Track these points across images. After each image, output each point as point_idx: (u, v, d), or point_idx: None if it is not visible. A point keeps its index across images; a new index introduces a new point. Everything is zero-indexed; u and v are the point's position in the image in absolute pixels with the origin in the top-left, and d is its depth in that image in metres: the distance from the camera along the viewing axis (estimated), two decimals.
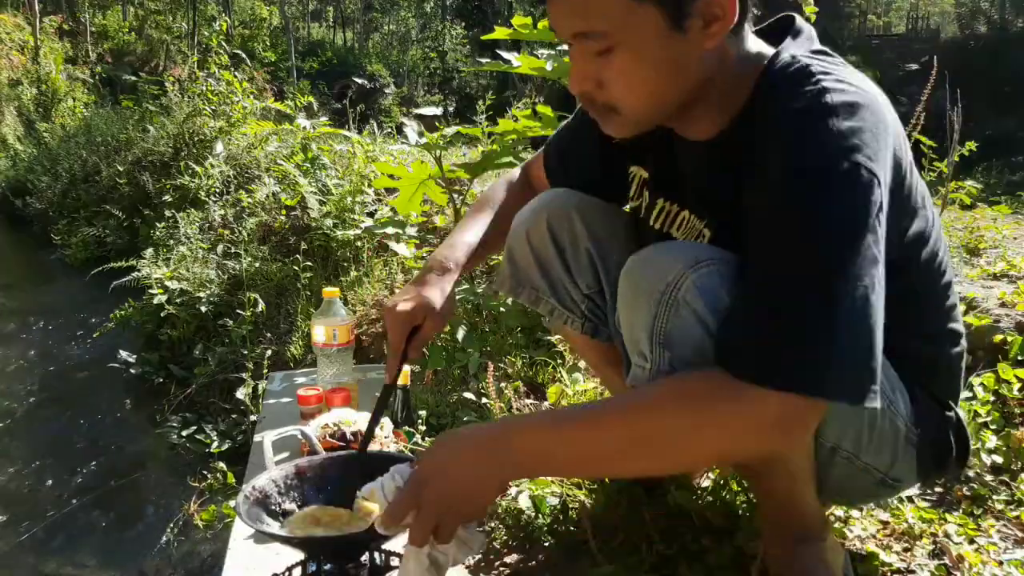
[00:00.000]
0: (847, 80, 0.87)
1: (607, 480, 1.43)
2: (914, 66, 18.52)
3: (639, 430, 0.84)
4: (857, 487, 1.08)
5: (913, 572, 1.20)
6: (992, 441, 1.48)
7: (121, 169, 5.78)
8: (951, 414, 1.08)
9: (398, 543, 1.33)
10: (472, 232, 1.33)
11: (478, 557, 1.35)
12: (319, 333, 2.02)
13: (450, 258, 1.26)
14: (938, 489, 1.44)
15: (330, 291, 2.07)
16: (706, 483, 1.47)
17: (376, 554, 1.21)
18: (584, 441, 0.86)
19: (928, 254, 1.01)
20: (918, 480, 1.12)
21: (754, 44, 0.99)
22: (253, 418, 2.37)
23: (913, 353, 1.03)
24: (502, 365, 2.08)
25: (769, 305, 0.81)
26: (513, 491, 1.47)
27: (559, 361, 1.98)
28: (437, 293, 1.21)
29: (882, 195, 0.82)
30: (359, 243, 3.29)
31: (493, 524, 1.41)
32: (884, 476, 1.05)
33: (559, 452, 0.88)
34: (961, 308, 1.13)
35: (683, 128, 1.04)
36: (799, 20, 1.02)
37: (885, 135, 0.85)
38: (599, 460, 0.88)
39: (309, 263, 3.22)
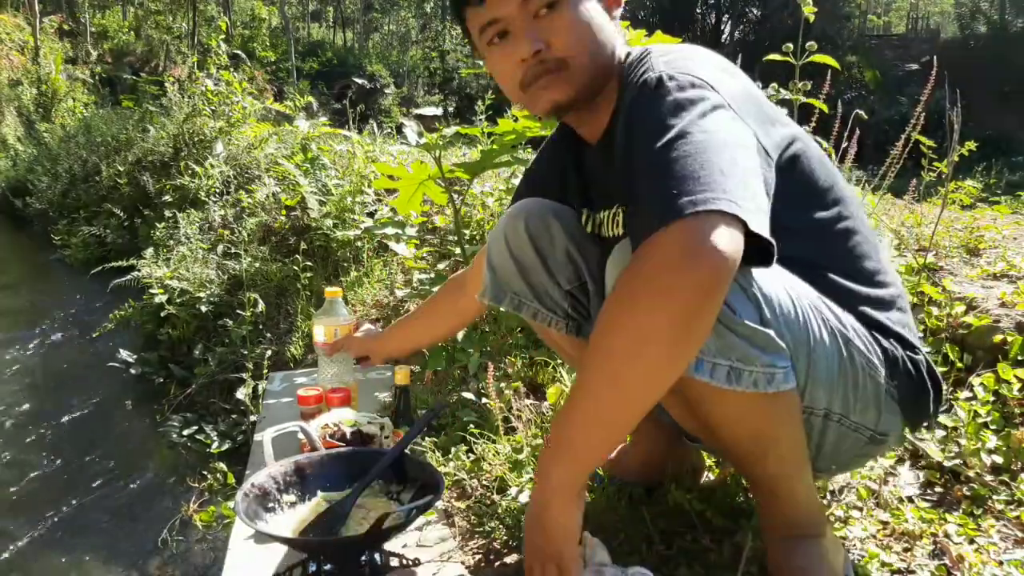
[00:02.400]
0: (669, 52, 1.04)
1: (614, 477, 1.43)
2: (914, 66, 18.52)
3: (614, 353, 0.85)
4: (850, 449, 1.11)
5: (913, 572, 1.20)
6: (992, 441, 1.48)
7: (121, 169, 5.79)
8: (919, 357, 1.10)
9: (398, 544, 1.34)
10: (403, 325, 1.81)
11: (478, 556, 1.35)
12: (320, 333, 2.01)
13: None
14: (938, 489, 1.45)
15: (332, 291, 2.06)
16: (706, 483, 1.47)
17: (376, 554, 1.21)
18: (594, 408, 0.88)
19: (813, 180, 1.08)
20: (905, 429, 1.14)
21: (622, 50, 1.14)
22: (253, 418, 2.37)
23: (862, 295, 1.07)
24: (502, 365, 2.08)
25: (647, 183, 0.89)
26: (513, 491, 1.47)
27: (559, 361, 1.98)
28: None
29: (713, 95, 0.94)
30: (359, 243, 3.30)
31: (493, 524, 1.42)
32: (873, 432, 1.09)
33: (581, 435, 0.91)
34: (890, 256, 1.16)
35: (584, 127, 1.21)
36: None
37: (702, 66, 0.99)
38: (612, 410, 0.88)
39: (309, 263, 3.23)
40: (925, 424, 1.17)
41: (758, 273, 0.95)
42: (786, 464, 1.05)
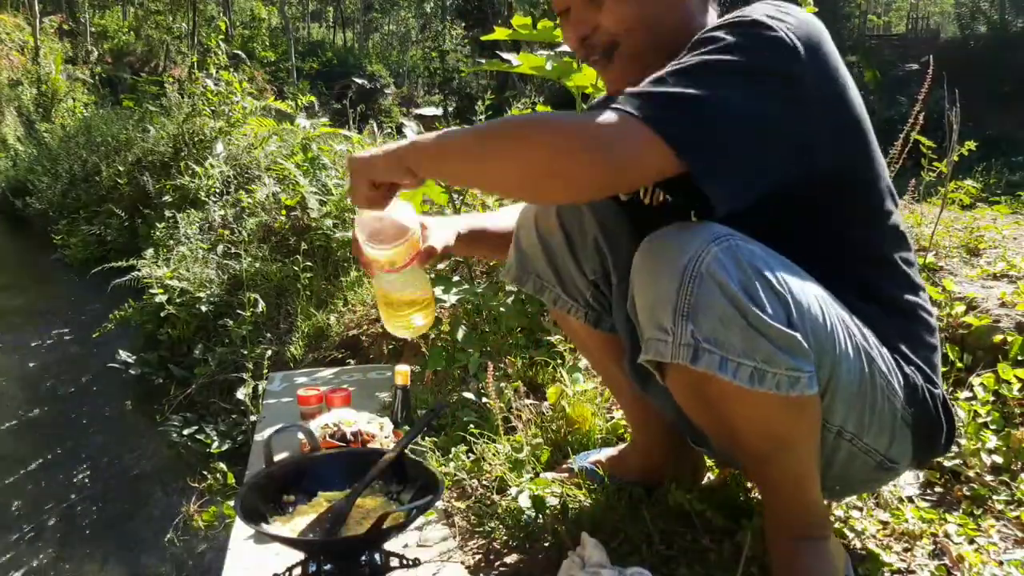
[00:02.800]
0: (794, 9, 0.97)
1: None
2: (914, 66, 18.52)
3: (494, 141, 0.96)
4: (858, 472, 1.10)
5: (913, 572, 1.20)
6: (992, 441, 1.48)
7: (121, 169, 5.79)
8: (938, 391, 1.10)
9: (398, 544, 1.34)
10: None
11: (478, 556, 1.35)
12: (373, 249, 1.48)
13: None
14: (938, 489, 1.45)
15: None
16: (706, 483, 1.47)
17: (376, 554, 1.21)
18: (456, 148, 1.01)
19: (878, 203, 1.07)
20: (912, 461, 1.13)
21: (713, 19, 1.10)
22: (253, 418, 2.37)
23: (895, 327, 1.06)
24: (502, 365, 2.08)
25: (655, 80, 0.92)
26: (513, 491, 1.47)
27: (559, 361, 1.98)
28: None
29: (799, 67, 0.92)
30: None
31: (493, 524, 1.42)
32: (883, 458, 1.07)
33: (442, 152, 1.01)
34: (928, 292, 1.15)
35: None
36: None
37: (812, 31, 0.95)
38: (463, 156, 1.00)
39: (309, 263, 3.22)
40: (932, 458, 1.15)
41: (791, 276, 0.94)
42: (802, 466, 1.04)
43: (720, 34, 0.93)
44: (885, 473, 1.11)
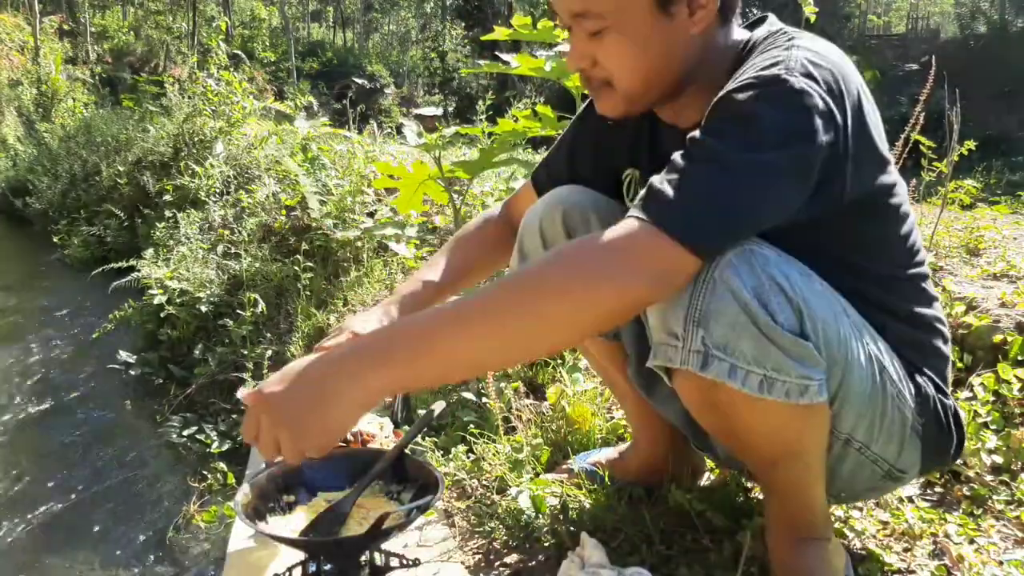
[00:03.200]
0: (815, 46, 0.95)
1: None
2: (914, 66, 18.52)
3: (532, 295, 0.85)
4: (864, 480, 1.09)
5: (913, 572, 1.20)
6: (992, 441, 1.48)
7: (121, 169, 5.79)
8: (949, 403, 1.10)
9: (398, 544, 1.33)
10: (429, 272, 1.30)
11: (478, 556, 1.35)
12: None
13: (394, 300, 1.24)
14: (938, 489, 1.45)
15: None
16: (706, 483, 1.47)
17: (376, 554, 1.21)
18: (455, 337, 0.84)
19: (899, 227, 1.06)
20: (920, 472, 1.13)
21: (740, 35, 1.07)
22: None
23: (906, 336, 1.06)
24: None
25: (682, 169, 0.89)
26: (513, 491, 1.47)
27: (559, 361, 1.98)
28: (361, 325, 1.18)
29: (834, 134, 0.89)
30: (359, 243, 3.29)
31: (493, 524, 1.42)
32: (891, 467, 1.07)
33: (424, 356, 0.84)
34: (941, 303, 1.16)
35: (674, 116, 1.12)
36: (772, 17, 1.09)
37: (848, 84, 0.93)
38: (478, 346, 0.85)
39: (309, 263, 3.22)
40: (939, 469, 1.15)
41: (805, 284, 0.94)
42: (810, 472, 1.04)
43: (752, 105, 0.88)
44: (892, 482, 1.11)
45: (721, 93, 0.93)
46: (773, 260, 0.92)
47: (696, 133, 0.91)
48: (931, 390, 1.07)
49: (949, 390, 1.11)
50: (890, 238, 1.07)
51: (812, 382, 0.92)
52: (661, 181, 0.89)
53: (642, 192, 0.90)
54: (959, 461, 1.46)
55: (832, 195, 0.94)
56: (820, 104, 0.88)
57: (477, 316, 0.85)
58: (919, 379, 1.06)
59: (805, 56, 0.91)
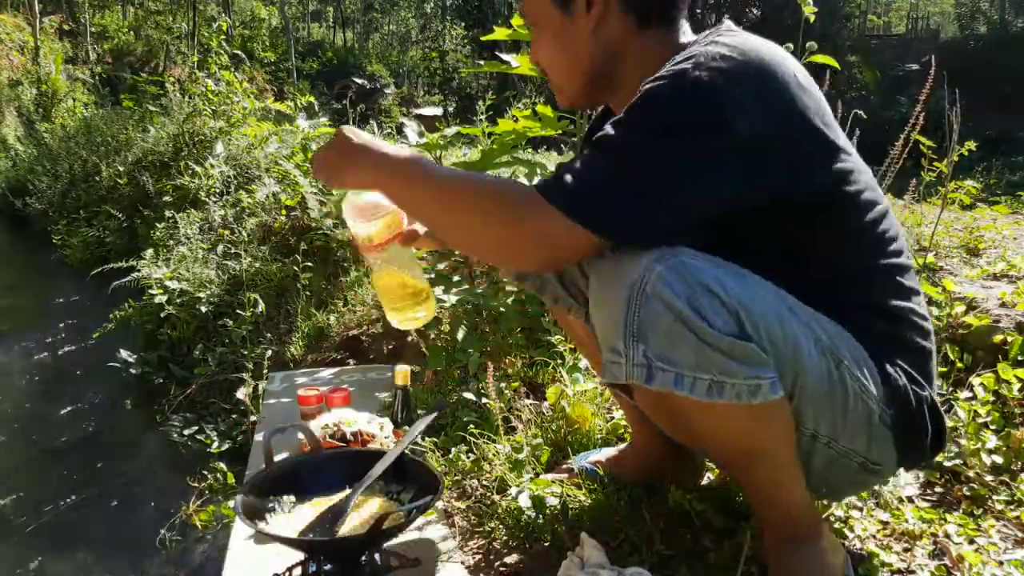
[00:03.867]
0: (734, 40, 0.99)
1: (607, 482, 1.43)
2: (914, 66, 18.51)
3: (451, 196, 1.05)
4: (840, 475, 1.09)
5: (913, 572, 1.20)
6: (992, 441, 1.48)
7: (121, 169, 5.79)
8: (925, 393, 1.08)
9: (398, 543, 1.33)
10: None
11: (478, 556, 1.35)
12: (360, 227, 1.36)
13: None
14: (938, 489, 1.45)
15: None
16: (706, 483, 1.47)
17: (376, 554, 1.21)
18: (411, 185, 1.07)
19: (865, 224, 1.07)
20: (899, 464, 1.12)
21: (685, 39, 1.12)
22: (253, 418, 2.37)
23: (876, 329, 1.06)
24: (502, 365, 2.08)
25: (583, 155, 1.01)
26: (513, 491, 1.47)
27: (559, 361, 1.98)
28: None
29: (744, 123, 0.93)
30: None
31: (493, 524, 1.42)
32: (864, 460, 1.07)
33: (399, 171, 1.07)
34: (923, 298, 1.14)
35: (619, 109, 1.17)
36: (727, 21, 1.13)
37: (769, 76, 0.97)
38: (420, 204, 1.09)
39: (309, 263, 3.22)
40: (919, 462, 1.14)
41: (742, 287, 0.95)
42: (781, 472, 1.04)
43: (656, 94, 0.97)
44: (871, 475, 1.10)
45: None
46: (705, 268, 0.94)
47: (607, 124, 1.00)
48: (903, 380, 1.06)
49: (930, 382, 1.10)
50: (853, 228, 1.06)
51: (763, 381, 0.93)
52: (565, 164, 1.00)
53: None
54: (959, 461, 1.46)
55: (763, 186, 0.97)
56: (722, 95, 0.94)
57: (433, 191, 1.06)
58: (889, 369, 1.05)
59: (717, 51, 0.96)
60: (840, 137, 1.05)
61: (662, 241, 0.96)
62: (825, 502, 1.37)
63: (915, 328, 1.10)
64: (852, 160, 1.06)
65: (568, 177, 0.97)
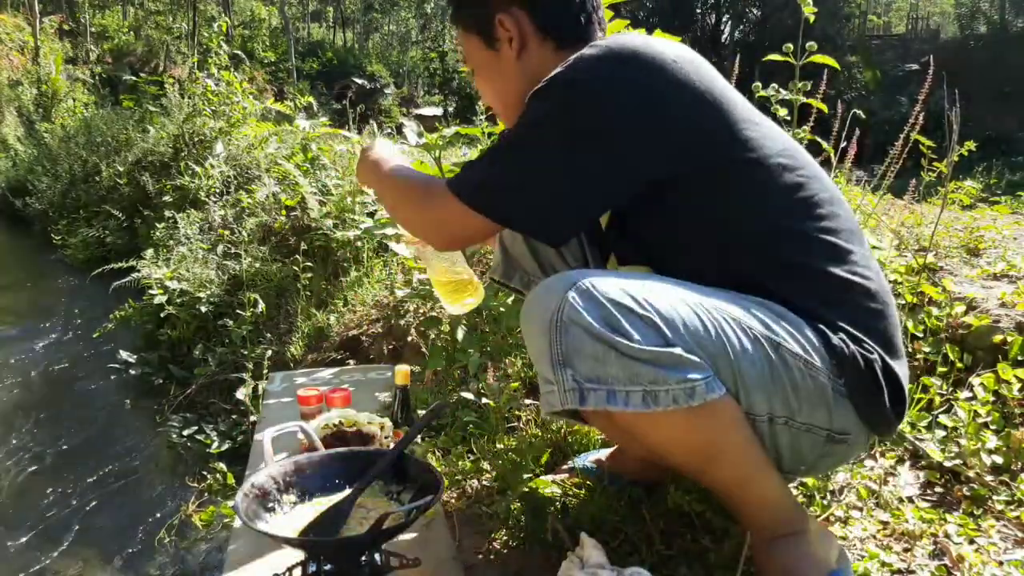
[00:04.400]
0: (611, 41, 1.11)
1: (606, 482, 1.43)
2: (914, 66, 18.52)
3: (391, 188, 1.32)
4: (811, 450, 1.08)
5: (913, 572, 1.20)
6: (992, 441, 1.48)
7: (121, 169, 5.79)
8: (875, 356, 1.06)
9: (398, 543, 1.33)
10: None
11: (478, 557, 1.35)
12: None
13: None
14: (938, 489, 1.45)
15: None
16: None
17: (376, 554, 1.21)
18: (377, 180, 1.35)
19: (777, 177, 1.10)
20: (869, 430, 1.10)
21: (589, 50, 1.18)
22: (253, 418, 2.37)
23: (814, 295, 1.07)
24: (502, 365, 2.08)
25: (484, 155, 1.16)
26: (513, 491, 1.47)
27: None
28: None
29: (616, 111, 1.04)
30: (359, 243, 3.30)
31: (493, 524, 1.42)
32: (829, 432, 1.06)
33: (380, 168, 1.34)
34: (868, 258, 1.13)
35: None
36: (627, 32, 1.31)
37: (648, 65, 1.06)
38: (380, 194, 1.39)
39: (309, 263, 3.23)
40: (889, 425, 1.13)
41: (656, 296, 0.97)
42: (741, 468, 1.04)
43: (535, 95, 1.10)
44: (841, 445, 1.09)
45: None
46: (616, 285, 0.97)
47: None
48: (850, 346, 1.04)
49: (893, 344, 1.09)
50: (767, 191, 1.08)
51: (696, 383, 0.95)
52: (471, 160, 1.18)
53: None
54: (959, 461, 1.46)
55: (646, 165, 1.07)
56: (592, 88, 1.05)
57: (387, 184, 1.33)
58: (833, 339, 1.04)
59: (591, 52, 1.08)
60: (738, 108, 1.10)
61: (561, 226, 1.12)
62: (825, 502, 1.37)
63: (858, 289, 1.08)
64: (758, 129, 1.10)
65: (468, 170, 1.15)
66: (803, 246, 1.08)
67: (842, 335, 1.05)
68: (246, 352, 2.85)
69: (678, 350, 0.95)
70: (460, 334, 2.16)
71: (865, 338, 1.07)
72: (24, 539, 2.22)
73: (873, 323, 1.09)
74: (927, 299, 1.93)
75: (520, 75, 1.22)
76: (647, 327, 0.95)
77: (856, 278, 1.09)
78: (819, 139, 2.30)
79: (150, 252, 3.82)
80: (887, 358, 1.07)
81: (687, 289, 1.02)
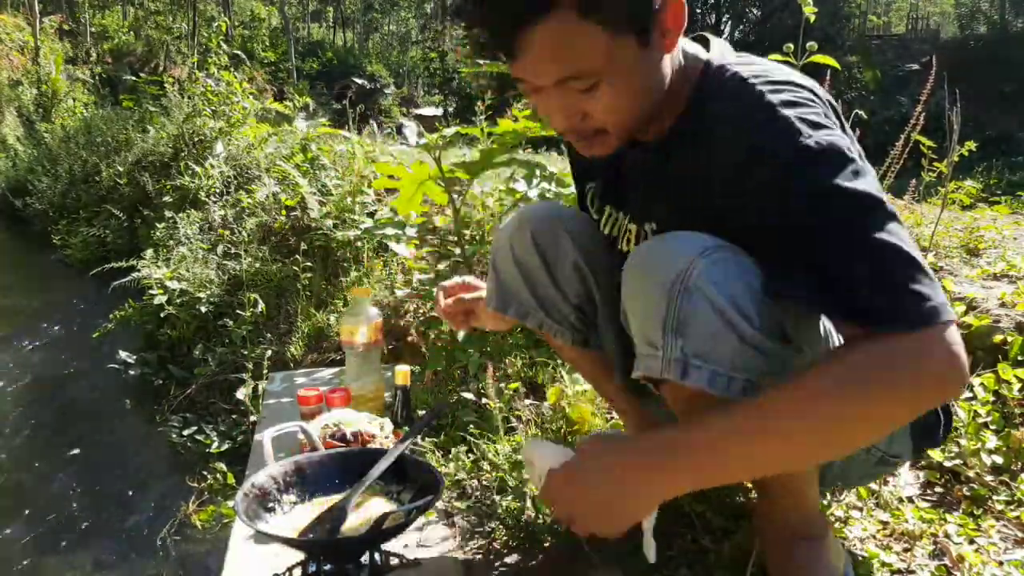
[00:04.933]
0: (775, 78, 0.94)
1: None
2: (914, 66, 18.51)
3: (819, 415, 0.80)
4: (859, 468, 1.10)
5: (913, 572, 1.20)
6: (992, 441, 1.48)
7: (121, 169, 5.78)
8: None
9: (398, 544, 1.33)
10: None
11: (478, 557, 1.35)
12: (345, 331, 2.04)
13: None
14: (938, 489, 1.44)
15: (360, 290, 2.10)
16: None
17: (376, 554, 1.21)
18: (761, 438, 0.83)
19: None
20: (912, 455, 1.13)
21: (689, 47, 1.04)
22: (253, 418, 2.37)
23: None
24: (502, 365, 2.08)
25: (857, 262, 0.81)
26: (513, 491, 1.47)
27: (559, 361, 1.98)
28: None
29: (853, 149, 0.87)
30: (359, 243, 3.29)
31: (493, 524, 1.41)
32: (884, 454, 1.08)
33: (733, 450, 0.84)
34: None
35: (640, 133, 1.07)
36: (711, 37, 1.07)
37: (826, 110, 0.92)
38: (776, 455, 0.84)
39: (309, 263, 3.22)
40: (928, 450, 1.14)
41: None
42: (805, 472, 1.04)
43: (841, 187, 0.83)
44: (886, 467, 1.12)
45: (717, 177, 0.93)
46: (748, 266, 0.90)
47: (791, 242, 0.85)
48: None
49: None
50: None
51: None
52: (841, 275, 0.82)
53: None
54: (959, 461, 1.46)
55: None
56: (837, 140, 0.87)
57: (773, 435, 0.83)
58: None
59: (805, 111, 0.89)
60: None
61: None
62: (825, 502, 1.37)
63: None
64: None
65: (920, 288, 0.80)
66: None
67: None
68: (246, 352, 2.85)
69: (791, 349, 0.91)
70: (460, 334, 2.16)
71: None
72: (24, 539, 2.22)
73: None
74: None
75: (667, 72, 0.99)
76: (770, 316, 0.90)
77: None
78: None
79: (150, 252, 3.82)
80: None
81: None
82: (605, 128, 0.99)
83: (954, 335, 0.78)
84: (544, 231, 1.24)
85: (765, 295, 0.89)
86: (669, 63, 0.99)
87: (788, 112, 0.88)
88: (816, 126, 0.86)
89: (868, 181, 0.84)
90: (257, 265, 3.39)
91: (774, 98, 0.90)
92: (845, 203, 0.82)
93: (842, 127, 0.93)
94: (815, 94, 0.93)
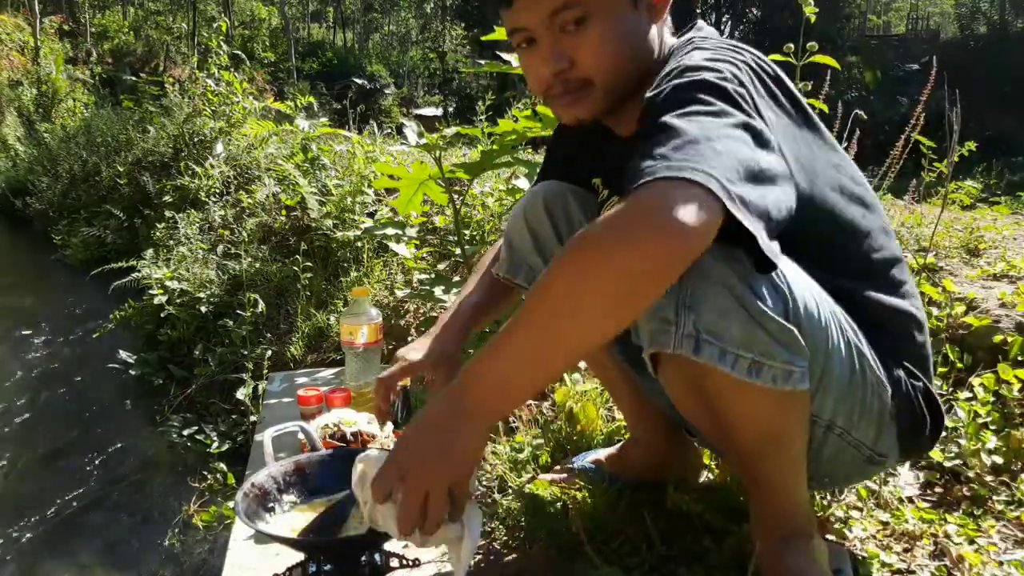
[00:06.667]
0: (717, 44, 1.02)
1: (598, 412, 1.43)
2: (914, 66, 18.52)
3: (552, 296, 0.82)
4: (845, 466, 1.11)
5: (913, 572, 1.20)
6: (992, 441, 1.48)
7: (121, 169, 5.79)
8: (920, 384, 1.10)
9: (398, 544, 1.33)
10: (466, 296, 1.43)
11: (478, 558, 1.35)
12: (345, 331, 2.06)
13: (440, 322, 1.41)
14: (938, 489, 1.44)
15: (359, 290, 2.11)
16: (706, 483, 1.47)
17: (376, 554, 1.21)
18: (526, 345, 0.86)
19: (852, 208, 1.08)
20: (901, 455, 1.14)
21: (675, 41, 1.12)
22: (253, 418, 2.37)
23: (876, 322, 1.07)
24: None
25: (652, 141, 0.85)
26: (513, 491, 1.47)
27: None
28: (415, 352, 1.39)
29: (743, 90, 0.92)
30: (359, 244, 3.30)
31: (494, 524, 1.41)
32: (872, 452, 1.08)
33: (510, 368, 0.87)
34: (916, 289, 1.16)
35: (617, 124, 1.16)
36: (700, 22, 1.14)
37: (748, 66, 0.98)
38: (543, 352, 0.85)
39: (309, 264, 3.22)
40: (920, 453, 1.15)
41: (789, 269, 0.95)
42: (792, 464, 1.05)
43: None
44: (873, 467, 1.12)
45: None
46: None
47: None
48: (903, 373, 1.08)
49: (925, 373, 1.12)
50: (858, 223, 1.08)
51: (795, 368, 0.93)
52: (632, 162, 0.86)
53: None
54: (959, 461, 1.47)
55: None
56: (726, 70, 0.94)
57: (521, 330, 0.87)
58: (891, 363, 1.07)
59: (705, 57, 0.97)
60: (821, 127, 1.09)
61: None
62: (825, 502, 1.37)
63: (915, 320, 1.11)
64: (841, 154, 1.09)
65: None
66: (873, 276, 1.10)
67: (896, 360, 1.08)
68: (246, 352, 2.84)
69: (796, 331, 0.93)
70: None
71: (914, 367, 1.10)
72: (24, 539, 2.22)
73: (921, 353, 1.12)
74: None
75: (649, 46, 1.08)
76: (778, 296, 0.92)
77: (912, 309, 1.11)
78: None
79: (150, 252, 3.82)
80: (931, 388, 1.11)
81: (805, 273, 0.99)
82: (591, 79, 1.05)
83: (691, 191, 0.77)
84: (556, 199, 1.30)
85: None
86: (656, 38, 1.07)
87: (697, 54, 0.98)
88: (712, 68, 0.93)
89: (718, 93, 0.89)
90: (257, 265, 3.40)
91: (697, 54, 0.98)
92: (676, 96, 0.90)
93: (773, 93, 0.99)
94: (742, 52, 1.00)
